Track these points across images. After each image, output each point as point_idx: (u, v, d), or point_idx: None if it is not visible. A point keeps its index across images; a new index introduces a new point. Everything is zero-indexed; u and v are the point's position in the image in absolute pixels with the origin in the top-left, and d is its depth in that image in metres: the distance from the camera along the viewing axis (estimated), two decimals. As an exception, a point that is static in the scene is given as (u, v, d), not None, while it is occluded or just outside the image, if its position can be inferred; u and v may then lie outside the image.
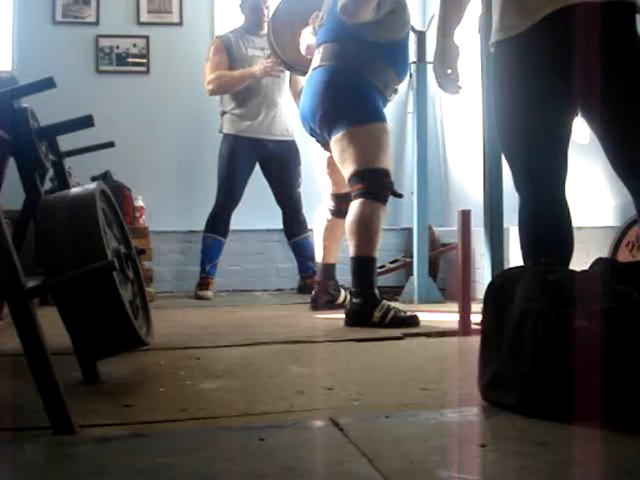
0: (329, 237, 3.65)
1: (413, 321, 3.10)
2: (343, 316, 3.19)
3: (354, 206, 3.21)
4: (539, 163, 2.11)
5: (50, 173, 2.32)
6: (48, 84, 1.78)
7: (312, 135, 3.47)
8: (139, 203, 4.63)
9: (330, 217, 3.63)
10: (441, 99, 5.14)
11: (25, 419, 1.57)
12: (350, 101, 3.24)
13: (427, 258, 4.18)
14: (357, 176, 3.21)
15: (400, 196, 3.46)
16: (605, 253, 3.16)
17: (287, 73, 4.47)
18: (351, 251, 3.21)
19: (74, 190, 1.93)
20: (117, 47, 5.08)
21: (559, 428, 1.44)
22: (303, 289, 4.60)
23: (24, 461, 1.32)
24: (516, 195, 2.21)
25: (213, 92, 4.54)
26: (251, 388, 1.94)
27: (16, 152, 1.96)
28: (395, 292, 4.27)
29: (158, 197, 4.92)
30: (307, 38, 3.60)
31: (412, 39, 3.94)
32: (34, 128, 1.99)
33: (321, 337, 2.81)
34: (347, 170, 3.25)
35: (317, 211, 3.80)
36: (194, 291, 4.54)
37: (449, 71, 2.38)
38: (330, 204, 3.63)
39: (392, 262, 4.70)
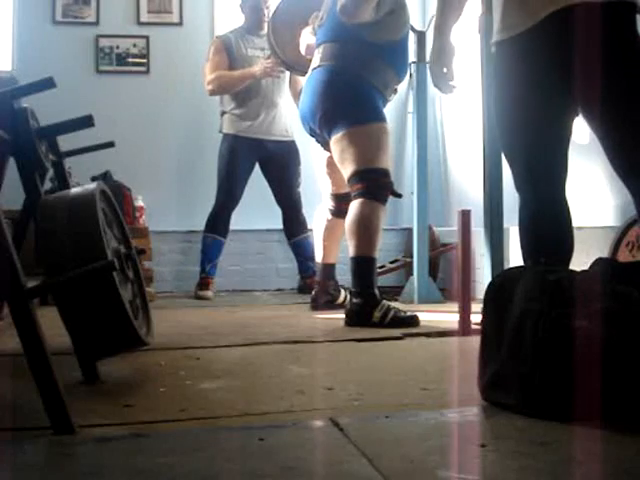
0: (329, 237, 3.66)
1: (413, 321, 3.10)
2: (343, 316, 3.19)
3: (354, 206, 3.21)
4: (539, 163, 2.12)
5: (50, 173, 2.32)
6: (48, 84, 1.77)
7: (312, 135, 3.47)
8: (139, 203, 4.63)
9: (330, 217, 3.64)
10: (441, 99, 5.14)
11: (25, 419, 1.57)
12: (350, 101, 3.24)
13: (427, 258, 4.18)
14: (357, 176, 3.21)
15: (399, 196, 3.46)
16: (605, 253, 3.16)
17: (287, 73, 4.47)
18: (351, 251, 3.21)
19: (74, 190, 1.93)
20: (117, 47, 5.08)
21: (559, 428, 1.44)
22: (303, 289, 4.60)
23: (24, 461, 1.32)
24: (516, 195, 2.21)
25: (213, 92, 4.54)
26: (251, 388, 1.94)
27: (16, 152, 1.96)
28: (395, 292, 4.27)
29: (158, 197, 4.91)
30: (307, 38, 3.60)
31: (412, 39, 3.94)
32: (34, 128, 1.99)
33: (321, 337, 2.81)
34: (347, 170, 3.25)
35: (317, 211, 3.80)
36: (194, 291, 4.54)
37: (445, 70, 2.39)
38: (330, 204, 3.64)
39: (392, 262, 4.70)
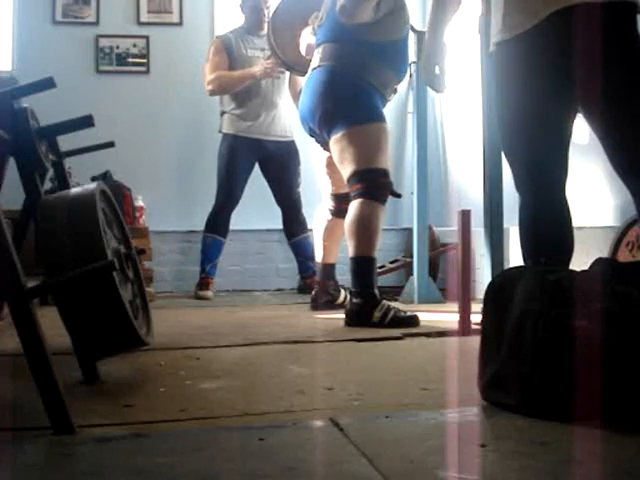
0: (329, 237, 3.66)
1: (413, 321, 3.10)
2: (343, 316, 3.19)
3: (353, 206, 3.21)
4: (540, 164, 2.12)
5: (50, 173, 2.32)
6: (48, 84, 1.77)
7: (311, 135, 3.47)
8: (139, 203, 4.63)
9: (330, 217, 3.64)
10: (441, 99, 5.14)
11: (25, 419, 1.57)
12: (349, 101, 3.24)
13: (427, 258, 4.18)
14: (356, 176, 3.21)
15: (399, 196, 3.46)
16: (605, 253, 3.16)
17: (287, 74, 4.47)
18: (351, 251, 3.21)
19: (74, 190, 1.93)
20: (117, 47, 5.08)
21: (559, 428, 1.44)
22: (303, 289, 4.60)
23: (24, 461, 1.32)
24: (516, 195, 2.21)
25: (213, 92, 4.54)
26: (251, 388, 1.94)
27: (16, 152, 1.96)
28: (395, 292, 4.27)
29: (158, 197, 4.92)
30: (307, 38, 3.60)
31: (412, 39, 3.93)
32: (34, 128, 1.99)
33: (321, 337, 2.81)
34: (346, 170, 3.25)
35: (317, 211, 3.80)
36: (194, 291, 4.54)
37: (437, 68, 2.40)
38: (330, 204, 3.64)
39: (392, 262, 4.70)
